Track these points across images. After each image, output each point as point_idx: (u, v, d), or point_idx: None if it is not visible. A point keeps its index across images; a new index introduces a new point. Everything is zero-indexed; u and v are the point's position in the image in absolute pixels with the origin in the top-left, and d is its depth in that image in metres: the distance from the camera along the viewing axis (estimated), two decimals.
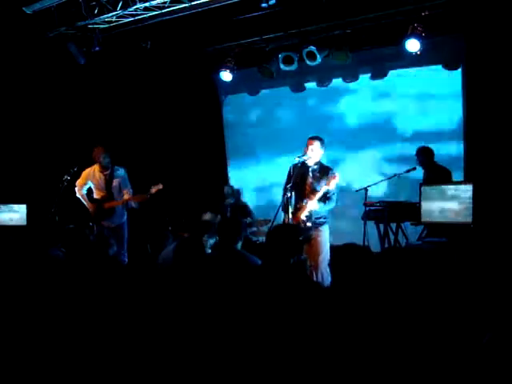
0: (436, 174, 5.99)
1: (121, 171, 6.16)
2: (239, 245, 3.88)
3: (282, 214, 5.21)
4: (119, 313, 2.82)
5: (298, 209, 5.15)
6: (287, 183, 5.19)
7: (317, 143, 5.23)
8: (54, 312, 2.95)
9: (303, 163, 5.23)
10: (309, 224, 5.07)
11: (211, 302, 2.73)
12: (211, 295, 2.79)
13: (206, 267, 3.15)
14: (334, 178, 5.03)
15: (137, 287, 3.08)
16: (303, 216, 5.06)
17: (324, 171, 5.23)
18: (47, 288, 3.22)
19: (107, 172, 6.10)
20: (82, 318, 2.84)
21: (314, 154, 5.22)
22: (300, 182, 5.20)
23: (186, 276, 3.06)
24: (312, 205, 5.08)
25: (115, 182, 6.07)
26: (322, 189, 5.08)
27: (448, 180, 5.87)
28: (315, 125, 7.91)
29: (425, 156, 6.11)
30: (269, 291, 2.79)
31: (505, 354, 2.02)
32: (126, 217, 6.17)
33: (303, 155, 5.22)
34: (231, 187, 7.97)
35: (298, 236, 3.24)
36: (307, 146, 5.23)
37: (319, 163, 5.29)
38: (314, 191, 5.17)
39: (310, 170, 5.25)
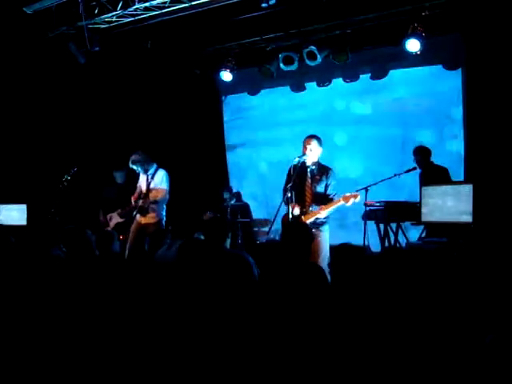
0: (433, 173, 5.99)
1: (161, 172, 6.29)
2: (228, 242, 3.89)
3: (282, 214, 5.22)
4: (120, 312, 2.82)
5: (303, 213, 5.12)
6: (287, 183, 5.18)
7: (314, 142, 5.18)
8: (55, 311, 2.95)
9: (303, 163, 5.21)
10: (313, 230, 5.05)
11: (212, 300, 2.73)
12: (211, 294, 2.80)
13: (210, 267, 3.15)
14: (356, 197, 5.00)
15: (137, 285, 3.08)
16: (308, 222, 5.03)
17: (323, 172, 5.20)
18: (48, 287, 3.22)
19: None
20: (82, 318, 2.84)
21: (313, 154, 5.18)
22: (299, 182, 5.17)
23: (195, 274, 3.06)
24: (322, 214, 5.07)
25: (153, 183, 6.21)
26: (338, 203, 5.03)
27: (445, 178, 5.87)
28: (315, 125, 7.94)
29: (422, 155, 6.11)
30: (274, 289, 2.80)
31: (507, 354, 2.02)
32: (160, 217, 6.23)
33: (303, 155, 5.20)
34: (230, 191, 7.96)
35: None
36: (305, 146, 5.19)
37: (317, 163, 5.23)
38: (315, 194, 5.15)
39: (309, 170, 5.20)
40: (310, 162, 5.19)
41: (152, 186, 6.14)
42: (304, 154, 5.18)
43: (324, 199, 5.11)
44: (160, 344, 2.55)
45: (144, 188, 6.20)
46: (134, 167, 6.17)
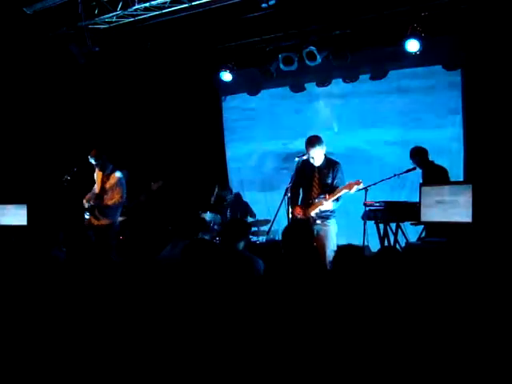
0: (433, 173, 6.00)
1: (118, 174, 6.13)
2: (241, 245, 3.89)
3: (282, 214, 5.26)
4: (121, 313, 2.83)
5: (309, 204, 5.17)
6: (292, 180, 5.25)
7: (317, 146, 5.24)
8: (57, 312, 2.95)
9: (308, 162, 5.26)
10: (318, 221, 5.11)
11: (218, 300, 2.74)
12: (217, 294, 2.80)
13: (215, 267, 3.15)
14: (359, 183, 5.08)
15: (139, 286, 3.08)
16: (313, 213, 5.09)
17: (330, 165, 5.29)
18: (49, 288, 3.22)
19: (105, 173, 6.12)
20: (84, 319, 2.84)
21: (318, 156, 5.26)
22: (307, 178, 5.24)
23: (199, 275, 3.06)
24: (327, 205, 5.12)
25: (108, 184, 6.06)
26: (342, 191, 5.10)
27: (445, 178, 5.89)
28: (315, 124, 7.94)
29: (419, 156, 6.13)
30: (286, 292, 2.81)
31: (505, 354, 2.03)
32: (114, 219, 6.12)
33: (303, 155, 5.26)
34: (229, 191, 7.97)
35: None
36: (308, 150, 5.23)
37: (324, 159, 5.34)
38: (324, 186, 5.21)
39: (317, 167, 5.31)
40: (317, 163, 5.25)
41: (107, 186, 6.00)
42: (307, 153, 5.23)
43: (330, 190, 5.18)
44: (165, 344, 2.56)
45: (98, 188, 6.06)
46: (93, 162, 6.00)
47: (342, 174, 5.29)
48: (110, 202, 5.93)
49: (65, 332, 2.79)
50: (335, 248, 5.06)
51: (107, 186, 5.98)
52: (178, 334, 2.56)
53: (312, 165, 5.29)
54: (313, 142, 5.24)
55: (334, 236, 5.17)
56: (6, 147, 7.66)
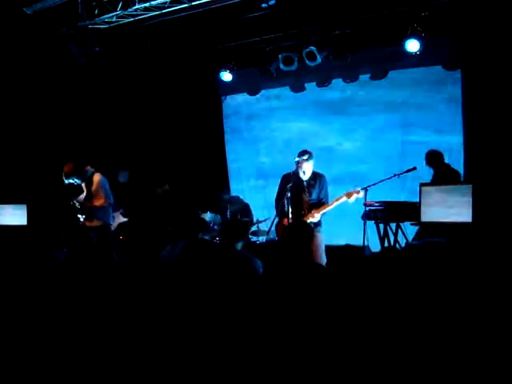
0: (445, 176, 6.02)
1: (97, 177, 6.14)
2: (239, 245, 3.90)
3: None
4: (121, 312, 2.83)
5: (302, 216, 5.21)
6: (280, 191, 5.36)
7: (308, 162, 5.33)
8: (56, 312, 2.95)
9: (298, 175, 5.30)
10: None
11: (217, 300, 2.74)
12: (216, 294, 2.80)
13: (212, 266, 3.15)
14: (359, 192, 5.17)
15: (139, 286, 3.08)
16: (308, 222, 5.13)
17: (316, 178, 5.40)
18: (49, 287, 3.22)
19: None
20: (84, 319, 2.84)
21: (309, 170, 5.35)
22: (295, 191, 5.31)
23: (198, 275, 3.06)
24: (318, 217, 5.17)
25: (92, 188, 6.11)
26: (340, 200, 5.19)
27: (457, 181, 5.90)
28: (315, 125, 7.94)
29: (434, 160, 6.15)
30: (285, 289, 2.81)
31: (505, 353, 2.02)
32: (105, 220, 6.15)
33: (303, 154, 5.28)
34: (230, 197, 8.01)
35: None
36: (300, 166, 5.29)
37: (312, 173, 5.44)
38: (312, 200, 5.33)
39: (305, 180, 5.40)
40: (307, 177, 5.37)
41: (92, 190, 6.03)
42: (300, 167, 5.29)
43: (319, 204, 5.31)
44: (163, 342, 2.56)
45: (85, 191, 6.10)
46: (71, 181, 5.97)
47: (327, 186, 5.43)
48: (97, 204, 6.02)
49: (65, 332, 2.79)
50: (324, 253, 5.15)
51: (92, 189, 6.06)
52: (178, 334, 2.56)
53: (301, 181, 5.39)
54: (304, 158, 5.31)
55: (322, 243, 5.26)
56: (5, 147, 7.66)
